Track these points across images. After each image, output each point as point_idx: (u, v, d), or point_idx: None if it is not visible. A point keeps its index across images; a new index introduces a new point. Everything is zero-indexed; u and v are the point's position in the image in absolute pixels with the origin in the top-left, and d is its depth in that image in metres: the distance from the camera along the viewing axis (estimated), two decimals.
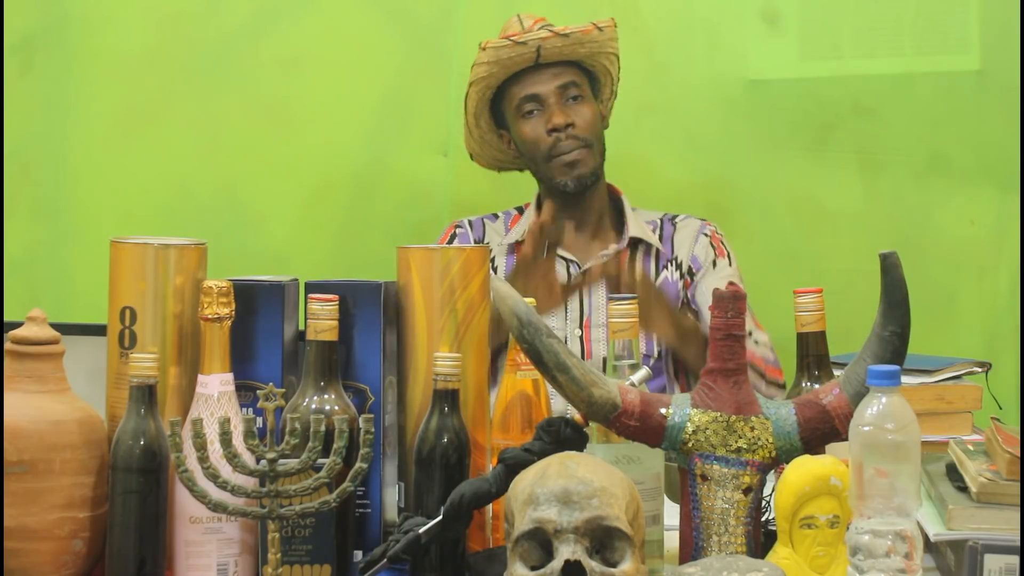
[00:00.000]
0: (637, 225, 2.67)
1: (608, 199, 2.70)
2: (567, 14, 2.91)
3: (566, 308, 2.59)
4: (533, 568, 1.44)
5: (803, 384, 1.79)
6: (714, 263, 2.64)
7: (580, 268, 2.61)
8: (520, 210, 2.75)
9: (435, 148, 2.99)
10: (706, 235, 2.67)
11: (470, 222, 2.74)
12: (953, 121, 2.88)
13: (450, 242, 2.68)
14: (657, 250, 2.66)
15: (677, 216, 2.71)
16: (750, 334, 2.45)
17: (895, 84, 2.90)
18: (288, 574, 1.62)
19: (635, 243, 2.66)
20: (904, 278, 1.59)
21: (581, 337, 2.60)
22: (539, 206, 2.68)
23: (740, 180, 2.96)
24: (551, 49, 2.56)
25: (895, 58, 2.91)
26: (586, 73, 2.64)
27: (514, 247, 2.68)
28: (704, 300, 2.61)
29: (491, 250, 2.65)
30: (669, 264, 2.65)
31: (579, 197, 2.62)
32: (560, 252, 2.61)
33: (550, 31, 2.56)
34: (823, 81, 2.92)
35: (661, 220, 2.70)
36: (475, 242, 2.68)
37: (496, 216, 2.76)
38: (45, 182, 3.05)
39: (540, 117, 2.60)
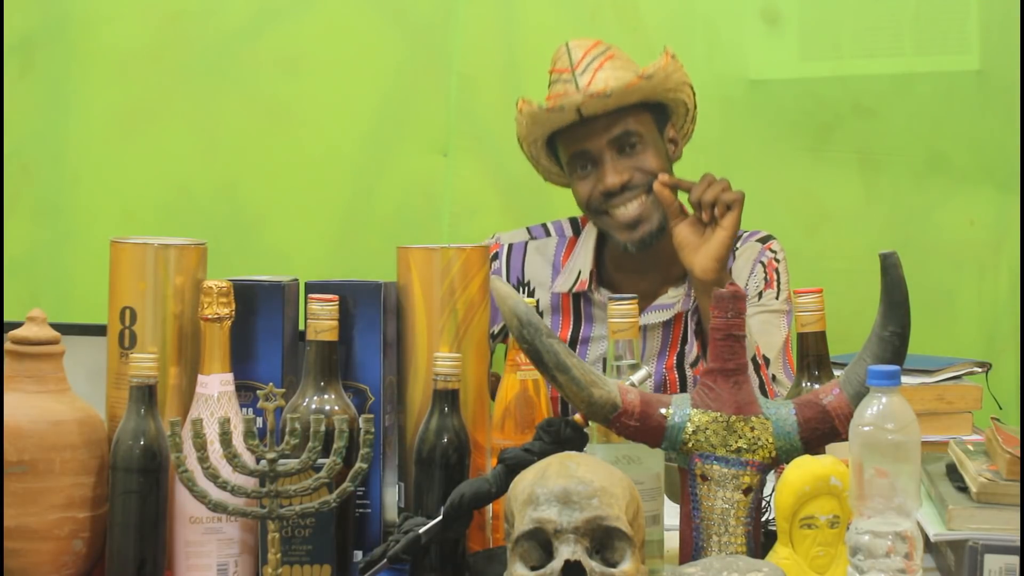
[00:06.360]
0: None
1: None
2: (567, 13, 2.92)
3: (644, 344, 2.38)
4: (533, 568, 1.44)
5: (803, 384, 1.78)
6: (760, 295, 2.37)
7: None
8: (576, 229, 2.49)
9: (435, 148, 2.99)
10: (763, 263, 2.41)
11: (510, 247, 2.48)
12: (953, 121, 2.88)
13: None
14: None
15: (739, 235, 2.39)
16: (774, 378, 2.26)
17: (895, 84, 2.90)
18: (288, 574, 1.62)
19: None
20: (904, 278, 1.59)
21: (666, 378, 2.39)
22: (600, 240, 2.42)
23: (740, 180, 2.95)
24: (594, 106, 2.26)
25: (895, 58, 2.90)
26: (651, 105, 2.34)
27: (561, 298, 2.43)
28: None
29: (530, 284, 2.45)
30: None
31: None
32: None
33: (589, 94, 2.23)
34: (823, 81, 2.92)
35: None
36: (516, 279, 2.46)
37: (547, 231, 2.51)
38: (45, 182, 3.04)
39: (593, 175, 2.32)
